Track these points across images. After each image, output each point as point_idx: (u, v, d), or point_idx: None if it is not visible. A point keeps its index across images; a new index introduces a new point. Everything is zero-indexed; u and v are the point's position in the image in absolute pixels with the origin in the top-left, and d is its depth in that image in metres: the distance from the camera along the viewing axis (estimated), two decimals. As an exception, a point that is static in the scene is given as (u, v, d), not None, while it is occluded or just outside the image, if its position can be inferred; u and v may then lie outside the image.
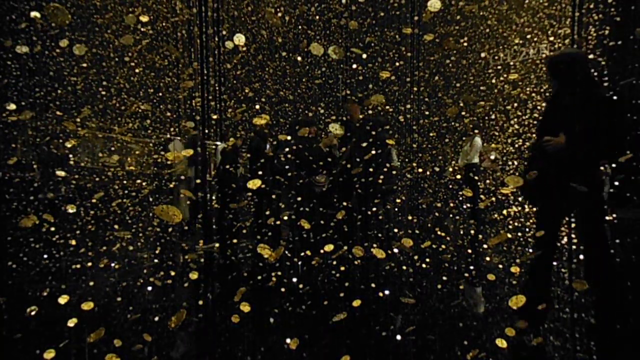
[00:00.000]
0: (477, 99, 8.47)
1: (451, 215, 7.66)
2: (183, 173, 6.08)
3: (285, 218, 5.39)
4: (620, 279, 2.33)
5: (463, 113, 8.34)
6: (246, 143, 6.58)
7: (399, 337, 2.31)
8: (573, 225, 5.91)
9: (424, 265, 3.89)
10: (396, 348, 2.20)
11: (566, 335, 2.39)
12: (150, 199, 7.58)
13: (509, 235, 5.24)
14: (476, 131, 6.76)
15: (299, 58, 9.34)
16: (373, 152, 4.25)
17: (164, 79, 9.05)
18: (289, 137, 4.18)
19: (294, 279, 3.58)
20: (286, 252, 4.51)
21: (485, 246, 4.87)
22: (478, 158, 6.71)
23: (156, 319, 2.63)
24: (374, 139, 4.36)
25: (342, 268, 3.68)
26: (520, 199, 7.25)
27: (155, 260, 4.38)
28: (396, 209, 5.94)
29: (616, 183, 7.70)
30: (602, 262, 2.22)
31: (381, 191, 4.76)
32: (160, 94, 9.07)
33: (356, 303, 2.44)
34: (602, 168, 2.49)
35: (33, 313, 2.63)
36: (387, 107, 8.42)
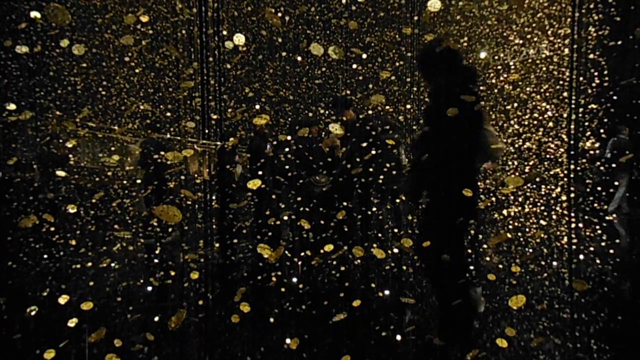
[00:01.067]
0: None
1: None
2: (133, 173, 6.09)
3: (285, 218, 5.39)
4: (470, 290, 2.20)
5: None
6: (245, 143, 6.57)
7: (399, 337, 2.31)
8: (573, 225, 5.91)
9: (424, 265, 3.88)
10: (396, 348, 2.20)
11: (566, 335, 2.39)
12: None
13: (509, 235, 5.24)
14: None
15: (299, 58, 9.33)
16: (373, 152, 4.25)
17: (164, 79, 9.05)
18: (289, 137, 4.19)
19: (294, 279, 3.58)
20: (286, 252, 4.51)
21: (485, 246, 4.87)
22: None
23: (156, 319, 2.63)
24: (375, 139, 4.36)
25: (342, 268, 3.68)
26: (519, 199, 7.25)
27: (156, 261, 4.38)
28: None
29: (616, 183, 7.70)
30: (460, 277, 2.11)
31: (392, 191, 4.79)
32: (160, 94, 9.07)
33: (356, 303, 2.44)
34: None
35: (33, 313, 2.63)
36: (387, 107, 8.42)
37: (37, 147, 7.10)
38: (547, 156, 7.57)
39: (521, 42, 8.26)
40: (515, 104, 8.14)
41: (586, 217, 6.98)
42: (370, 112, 6.23)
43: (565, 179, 7.08)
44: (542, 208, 6.88)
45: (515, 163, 7.82)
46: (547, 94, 7.85)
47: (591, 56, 7.89)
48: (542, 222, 6.11)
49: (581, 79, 7.63)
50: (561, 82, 7.71)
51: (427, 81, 2.19)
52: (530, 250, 4.54)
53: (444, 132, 1.99)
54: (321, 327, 2.47)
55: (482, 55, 8.41)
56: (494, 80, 8.54)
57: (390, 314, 2.71)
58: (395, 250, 4.31)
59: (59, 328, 2.43)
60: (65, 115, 7.90)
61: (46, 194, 6.46)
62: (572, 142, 7.30)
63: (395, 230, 5.38)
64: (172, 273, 3.82)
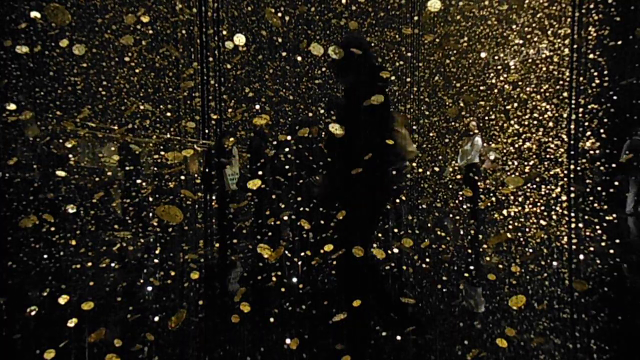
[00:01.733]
0: (477, 98, 8.48)
1: (451, 215, 7.67)
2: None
3: (285, 218, 5.39)
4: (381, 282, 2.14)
5: (463, 113, 8.35)
6: (246, 143, 6.56)
7: (399, 337, 2.32)
8: (573, 225, 5.92)
9: (424, 265, 3.89)
10: (396, 348, 2.20)
11: (566, 335, 2.39)
12: (150, 199, 7.58)
13: (509, 235, 5.24)
14: (476, 131, 6.77)
15: (299, 58, 9.34)
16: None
17: (164, 79, 9.05)
18: (289, 137, 4.19)
19: (294, 279, 3.58)
20: (286, 252, 4.51)
21: (485, 246, 4.87)
22: (478, 158, 6.73)
23: (156, 319, 2.63)
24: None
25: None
26: (519, 199, 7.26)
27: (156, 261, 4.38)
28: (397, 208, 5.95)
29: (616, 183, 7.70)
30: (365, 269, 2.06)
31: (392, 191, 4.80)
32: (160, 94, 9.07)
33: (356, 303, 2.44)
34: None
35: (33, 313, 2.63)
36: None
37: (37, 147, 7.10)
38: (547, 156, 7.58)
39: (521, 42, 8.26)
40: (515, 104, 8.15)
41: (586, 217, 6.98)
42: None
43: (565, 179, 7.08)
44: (542, 208, 6.88)
45: (515, 163, 7.83)
46: (547, 94, 7.86)
47: (591, 56, 7.90)
48: (542, 222, 6.11)
49: (581, 79, 7.63)
50: (561, 82, 7.72)
51: (338, 79, 2.13)
52: (530, 250, 4.54)
53: (354, 133, 1.93)
54: (321, 327, 2.47)
55: (483, 55, 8.42)
56: (494, 80, 8.55)
57: (390, 314, 2.71)
58: (395, 250, 4.31)
59: (59, 328, 2.43)
60: (66, 115, 7.91)
61: (46, 194, 6.46)
62: (572, 142, 7.30)
63: (395, 230, 5.38)
64: (172, 273, 3.82)
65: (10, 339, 2.31)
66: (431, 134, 9.05)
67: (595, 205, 7.70)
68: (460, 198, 8.08)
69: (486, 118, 8.47)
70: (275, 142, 5.48)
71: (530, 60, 8.38)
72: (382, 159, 1.96)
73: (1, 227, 6.05)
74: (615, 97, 8.27)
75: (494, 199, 7.58)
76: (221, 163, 5.59)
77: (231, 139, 6.00)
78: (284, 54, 9.90)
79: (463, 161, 6.78)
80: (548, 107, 7.70)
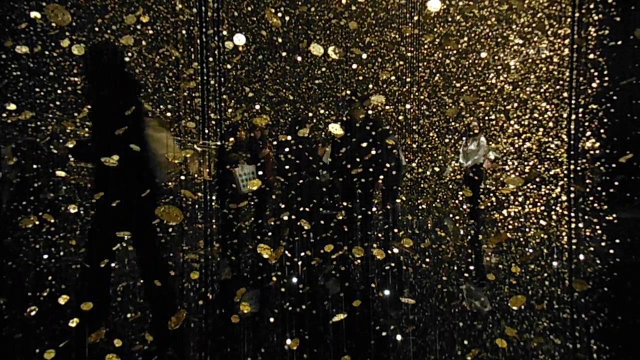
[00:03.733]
0: (477, 99, 8.48)
1: (451, 215, 7.67)
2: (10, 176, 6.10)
3: (285, 218, 5.38)
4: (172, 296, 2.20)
5: (463, 113, 8.35)
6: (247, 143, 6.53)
7: (399, 337, 2.32)
8: (573, 225, 5.91)
9: (424, 265, 3.89)
10: (396, 348, 2.20)
11: (566, 335, 2.39)
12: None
13: (509, 235, 5.24)
14: (477, 131, 6.78)
15: (299, 58, 9.33)
16: (373, 152, 4.26)
17: (164, 79, 9.04)
18: (289, 137, 4.19)
19: (294, 279, 3.58)
20: (286, 252, 4.51)
21: (485, 246, 4.87)
22: (482, 158, 6.75)
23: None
24: (375, 139, 4.37)
25: (342, 268, 3.68)
26: (519, 200, 7.25)
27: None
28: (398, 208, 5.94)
29: (616, 183, 7.70)
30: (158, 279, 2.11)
31: (390, 191, 4.81)
32: (160, 94, 9.06)
33: (356, 303, 2.44)
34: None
35: (33, 313, 2.63)
36: (387, 107, 8.42)
37: (37, 147, 7.10)
38: (547, 156, 7.57)
39: (521, 42, 8.26)
40: (515, 104, 8.14)
41: (586, 217, 6.98)
42: (370, 112, 6.23)
43: (565, 179, 7.08)
44: (542, 208, 6.88)
45: (515, 163, 7.83)
46: (547, 94, 7.85)
47: (591, 56, 7.89)
48: (542, 222, 6.11)
49: (581, 79, 7.62)
50: (561, 82, 7.72)
51: (89, 81, 2.11)
52: (530, 250, 4.54)
53: (104, 137, 1.91)
54: (321, 327, 2.47)
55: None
56: (494, 80, 8.54)
57: (390, 314, 2.71)
58: (395, 250, 4.31)
59: (59, 328, 2.43)
60: (66, 115, 7.91)
61: (46, 194, 6.45)
62: (572, 142, 7.29)
63: (395, 230, 5.38)
64: (172, 273, 3.82)
65: (10, 339, 2.31)
66: (431, 134, 9.04)
67: (595, 205, 7.69)
68: (460, 198, 8.08)
69: (486, 118, 8.46)
70: (275, 143, 5.48)
71: (530, 60, 8.37)
72: (141, 165, 1.97)
73: (1, 227, 6.04)
74: (615, 97, 8.26)
75: (494, 199, 7.58)
76: (230, 161, 5.40)
77: (231, 139, 5.95)
78: (284, 54, 9.88)
79: (469, 162, 6.79)
80: (548, 107, 7.69)
